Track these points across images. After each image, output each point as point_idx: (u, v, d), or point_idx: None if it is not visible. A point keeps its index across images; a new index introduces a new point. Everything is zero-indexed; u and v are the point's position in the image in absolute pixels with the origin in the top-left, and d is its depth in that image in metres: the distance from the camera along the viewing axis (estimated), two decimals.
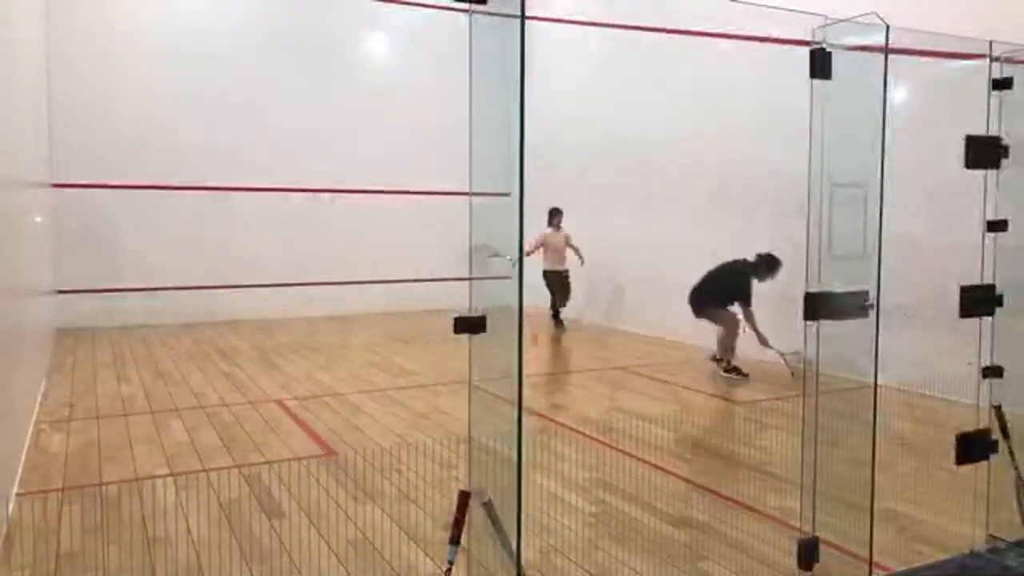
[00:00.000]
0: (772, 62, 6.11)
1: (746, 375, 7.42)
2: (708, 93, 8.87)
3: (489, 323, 2.53)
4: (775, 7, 3.66)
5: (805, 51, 3.07)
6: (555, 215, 10.61)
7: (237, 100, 11.04)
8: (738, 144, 8.30)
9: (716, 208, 8.71)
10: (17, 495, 4.23)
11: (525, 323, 2.49)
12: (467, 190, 2.55)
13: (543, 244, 10.54)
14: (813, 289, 3.11)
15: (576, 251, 10.70)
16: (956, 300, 3.32)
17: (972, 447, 3.38)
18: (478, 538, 2.68)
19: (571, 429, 5.71)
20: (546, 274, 10.68)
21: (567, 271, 10.78)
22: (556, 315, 10.81)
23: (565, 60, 11.42)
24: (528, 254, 9.32)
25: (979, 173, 3.35)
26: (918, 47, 4.25)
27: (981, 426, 3.44)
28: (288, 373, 7.76)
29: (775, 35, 5.69)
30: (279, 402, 6.53)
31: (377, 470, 4.74)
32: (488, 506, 2.61)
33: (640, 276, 10.20)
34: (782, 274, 7.02)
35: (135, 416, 6.04)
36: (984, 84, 3.44)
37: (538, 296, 10.55)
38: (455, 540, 2.69)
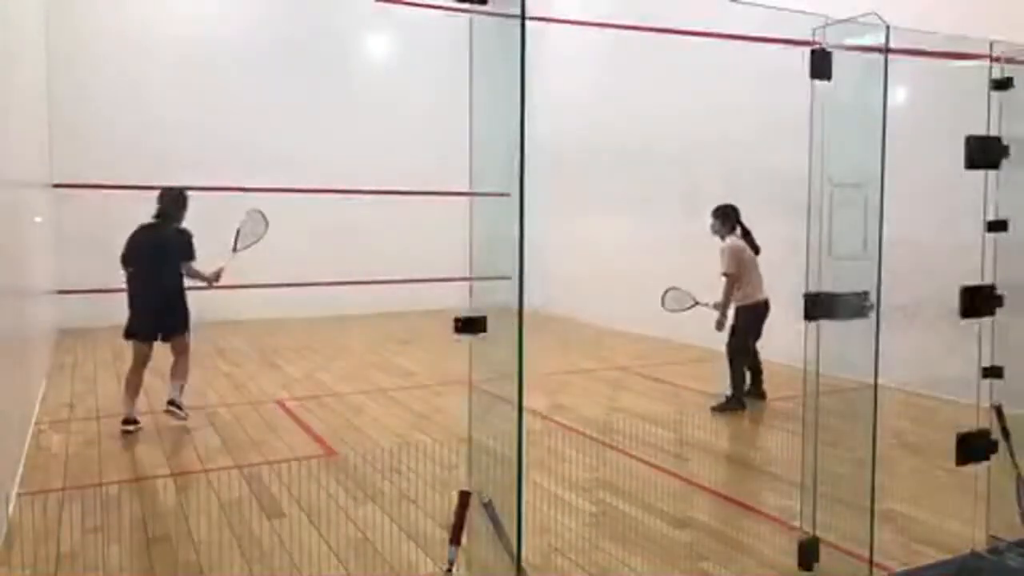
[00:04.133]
0: (772, 62, 6.10)
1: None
2: (707, 93, 8.87)
3: (489, 323, 2.53)
4: (775, 7, 3.67)
5: (805, 51, 3.07)
6: (732, 216, 6.40)
7: (237, 101, 11.05)
8: (738, 144, 8.30)
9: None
10: (17, 495, 4.23)
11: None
12: (467, 190, 2.55)
13: (740, 260, 6.29)
14: (813, 289, 3.11)
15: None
16: (956, 300, 3.32)
17: (972, 447, 3.38)
18: (478, 538, 2.68)
19: (571, 429, 5.71)
20: (754, 309, 6.32)
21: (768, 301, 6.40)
22: (756, 381, 6.51)
23: (565, 60, 11.42)
24: (731, 283, 6.24)
25: (979, 173, 3.35)
26: (918, 47, 4.25)
27: (981, 426, 3.44)
28: (288, 373, 7.77)
29: (775, 35, 5.68)
30: (279, 402, 6.53)
31: (377, 470, 4.75)
32: (488, 506, 2.61)
33: (639, 275, 10.18)
34: (780, 275, 6.78)
35: None
36: (984, 84, 3.44)
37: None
38: (455, 540, 2.69)
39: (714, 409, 6.22)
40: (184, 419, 5.74)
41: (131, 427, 5.52)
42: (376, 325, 10.94)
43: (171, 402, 5.76)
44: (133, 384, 5.65)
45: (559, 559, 3.54)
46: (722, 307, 6.23)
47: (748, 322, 6.30)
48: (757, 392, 6.42)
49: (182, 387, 5.84)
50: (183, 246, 5.83)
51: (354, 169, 11.55)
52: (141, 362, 5.71)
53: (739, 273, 6.23)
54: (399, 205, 11.74)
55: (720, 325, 6.23)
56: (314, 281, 11.21)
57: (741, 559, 3.57)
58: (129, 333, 5.74)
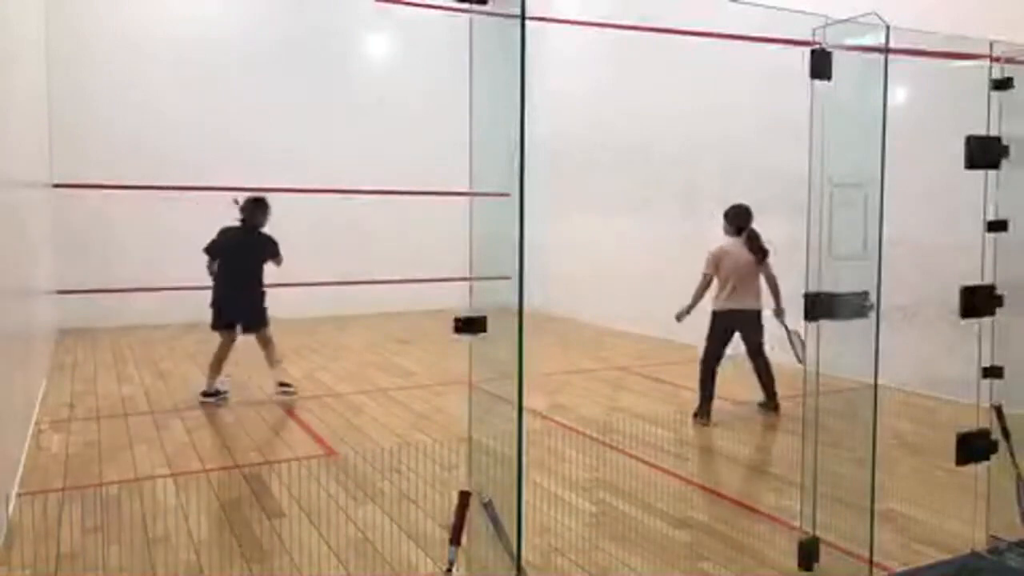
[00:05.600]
0: (772, 62, 6.11)
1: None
2: (707, 93, 8.87)
3: (489, 323, 2.53)
4: (775, 7, 3.67)
5: (805, 51, 3.07)
6: (738, 218, 6.15)
7: (237, 101, 11.05)
8: (738, 144, 8.30)
9: (717, 208, 8.71)
10: (17, 495, 4.23)
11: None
12: (467, 190, 2.55)
13: (718, 264, 6.12)
14: (813, 289, 3.11)
15: (771, 285, 6.12)
16: (956, 300, 3.32)
17: (972, 447, 3.38)
18: (478, 538, 2.68)
19: (571, 429, 5.71)
20: (720, 317, 6.10)
21: (758, 311, 6.16)
22: (770, 397, 6.20)
23: (565, 60, 11.42)
24: (701, 284, 6.16)
25: (979, 173, 3.35)
26: (918, 47, 4.25)
27: (981, 426, 3.44)
28: (289, 373, 7.75)
29: (775, 35, 5.69)
30: (279, 402, 6.53)
31: (377, 470, 4.75)
32: (488, 506, 2.61)
33: (639, 275, 10.19)
34: (780, 275, 6.73)
35: (135, 416, 6.04)
36: (984, 84, 3.44)
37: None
38: (455, 540, 2.69)
39: (694, 415, 6.08)
40: (294, 394, 6.55)
41: (212, 399, 6.34)
42: (376, 325, 10.94)
43: (280, 383, 6.57)
44: (215, 366, 6.41)
45: (559, 559, 3.54)
46: (687, 306, 6.09)
47: (714, 328, 6.09)
48: (770, 404, 6.13)
49: (280, 370, 6.63)
50: (269, 249, 6.52)
51: (354, 169, 11.55)
52: (226, 348, 6.43)
53: (712, 276, 6.09)
54: (399, 205, 11.74)
55: (679, 319, 6.09)
56: (314, 281, 11.20)
57: (741, 559, 3.57)
58: (213, 326, 6.45)
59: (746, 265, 6.06)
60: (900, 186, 3.21)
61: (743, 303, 6.05)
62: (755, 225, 6.23)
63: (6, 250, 4.56)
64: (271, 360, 6.62)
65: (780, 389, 6.21)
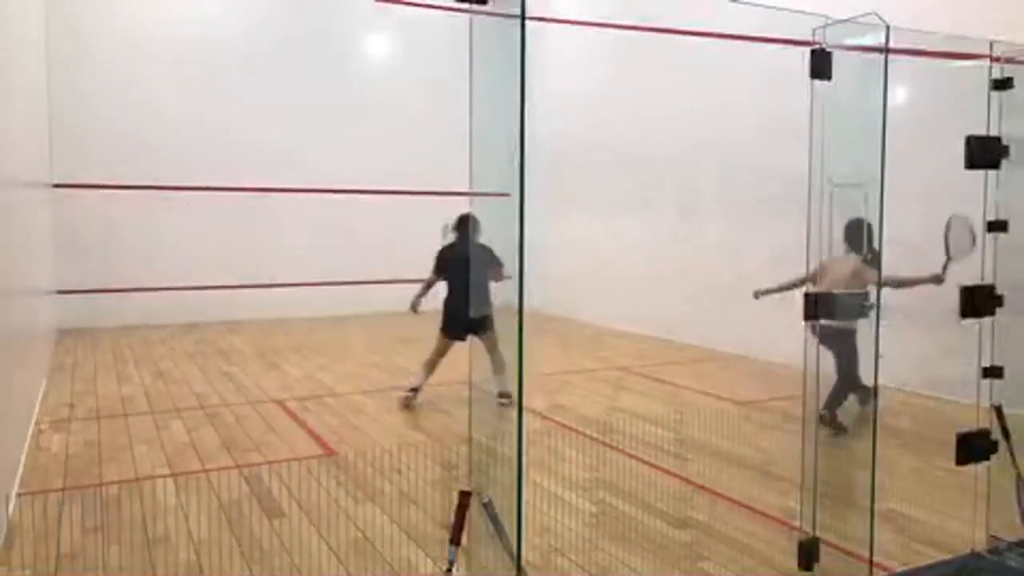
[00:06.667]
0: (772, 62, 6.11)
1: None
2: (707, 93, 8.87)
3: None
4: (775, 7, 3.67)
5: (805, 51, 3.07)
6: (852, 234, 5.12)
7: (237, 101, 11.06)
8: (738, 144, 8.30)
9: (716, 208, 8.71)
10: (17, 495, 4.23)
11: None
12: (467, 190, 2.55)
13: (817, 275, 5.92)
14: (813, 289, 3.12)
15: (906, 282, 5.25)
16: (956, 300, 3.32)
17: (972, 447, 3.39)
18: (478, 538, 2.68)
19: (571, 429, 5.71)
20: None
21: (845, 329, 5.85)
22: (832, 409, 5.38)
23: (565, 60, 11.42)
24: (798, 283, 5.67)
25: (979, 173, 3.35)
26: (918, 47, 4.25)
27: (981, 426, 3.44)
28: (289, 373, 7.76)
29: (775, 35, 5.68)
30: (279, 402, 6.53)
31: (377, 470, 4.75)
32: (488, 506, 2.61)
33: (639, 275, 10.20)
34: (781, 275, 6.59)
35: (135, 416, 6.04)
36: (984, 84, 3.44)
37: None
38: (455, 540, 2.69)
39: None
40: (508, 406, 6.11)
41: (414, 395, 6.46)
42: (376, 325, 10.93)
43: (501, 394, 6.26)
44: (431, 366, 6.56)
45: (559, 559, 3.54)
46: (772, 288, 5.86)
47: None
48: (825, 420, 5.12)
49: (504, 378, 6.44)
50: (486, 260, 6.54)
51: (354, 169, 11.56)
52: (442, 352, 6.59)
53: (808, 280, 5.84)
54: (399, 205, 11.75)
55: (756, 296, 5.95)
56: (314, 281, 11.22)
57: (741, 559, 3.57)
58: (442, 330, 6.67)
59: (842, 280, 5.43)
60: (900, 186, 3.21)
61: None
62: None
63: (6, 250, 4.57)
64: (496, 365, 6.52)
65: (780, 390, 6.20)
